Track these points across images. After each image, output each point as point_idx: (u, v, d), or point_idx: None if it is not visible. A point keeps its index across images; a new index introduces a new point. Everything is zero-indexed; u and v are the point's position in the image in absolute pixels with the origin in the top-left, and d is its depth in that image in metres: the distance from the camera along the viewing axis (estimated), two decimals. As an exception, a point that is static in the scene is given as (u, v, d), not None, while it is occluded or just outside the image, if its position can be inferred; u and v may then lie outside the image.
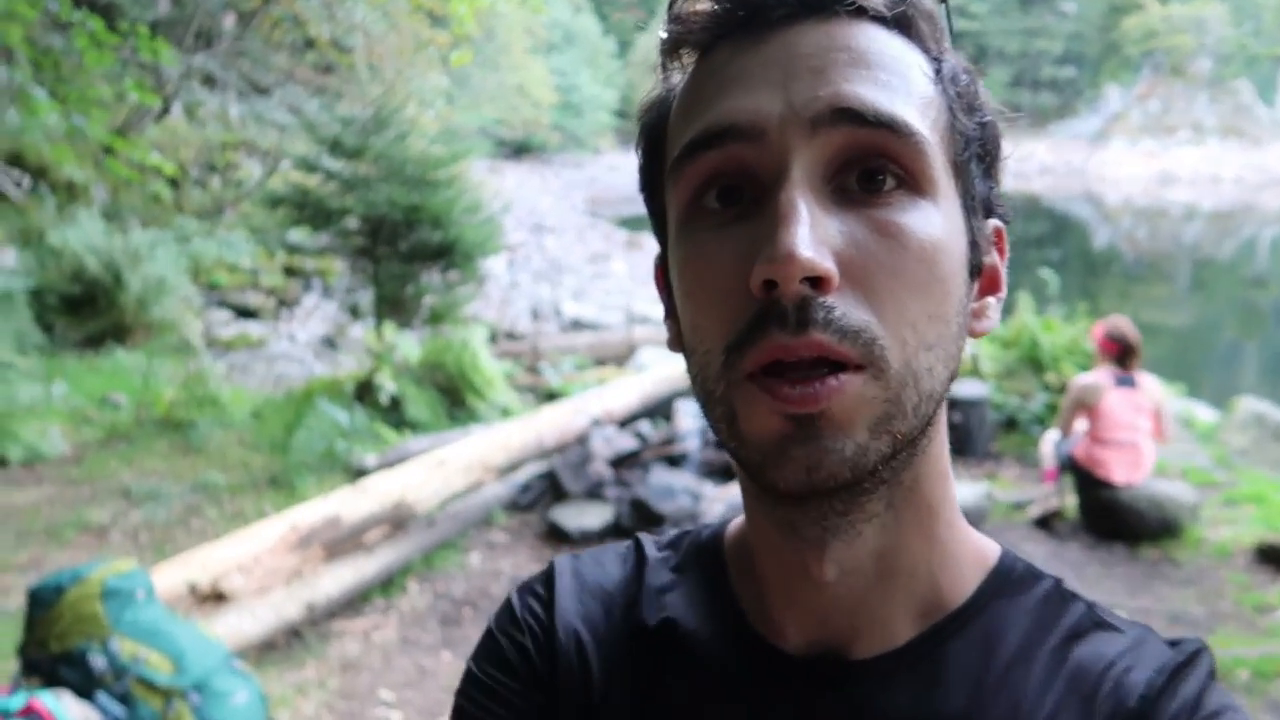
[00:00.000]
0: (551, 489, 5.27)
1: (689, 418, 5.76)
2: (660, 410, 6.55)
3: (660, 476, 5.00)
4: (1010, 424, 6.43)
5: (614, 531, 4.95)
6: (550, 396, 7.91)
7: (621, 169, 49.32)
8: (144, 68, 15.87)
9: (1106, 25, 63.25)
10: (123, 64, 8.29)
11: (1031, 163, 61.21)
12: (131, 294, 9.94)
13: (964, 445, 6.27)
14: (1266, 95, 60.18)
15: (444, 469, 4.64)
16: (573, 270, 19.87)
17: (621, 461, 5.55)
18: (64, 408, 7.52)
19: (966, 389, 6.29)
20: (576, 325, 14.61)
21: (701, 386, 0.53)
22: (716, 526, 0.71)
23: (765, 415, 0.49)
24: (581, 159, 49.02)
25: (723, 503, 4.89)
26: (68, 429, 7.06)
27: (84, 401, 7.75)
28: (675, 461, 5.57)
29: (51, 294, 10.20)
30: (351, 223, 7.82)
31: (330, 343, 11.86)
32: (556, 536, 4.95)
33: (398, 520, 4.35)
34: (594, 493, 5.14)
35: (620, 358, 10.23)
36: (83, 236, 10.62)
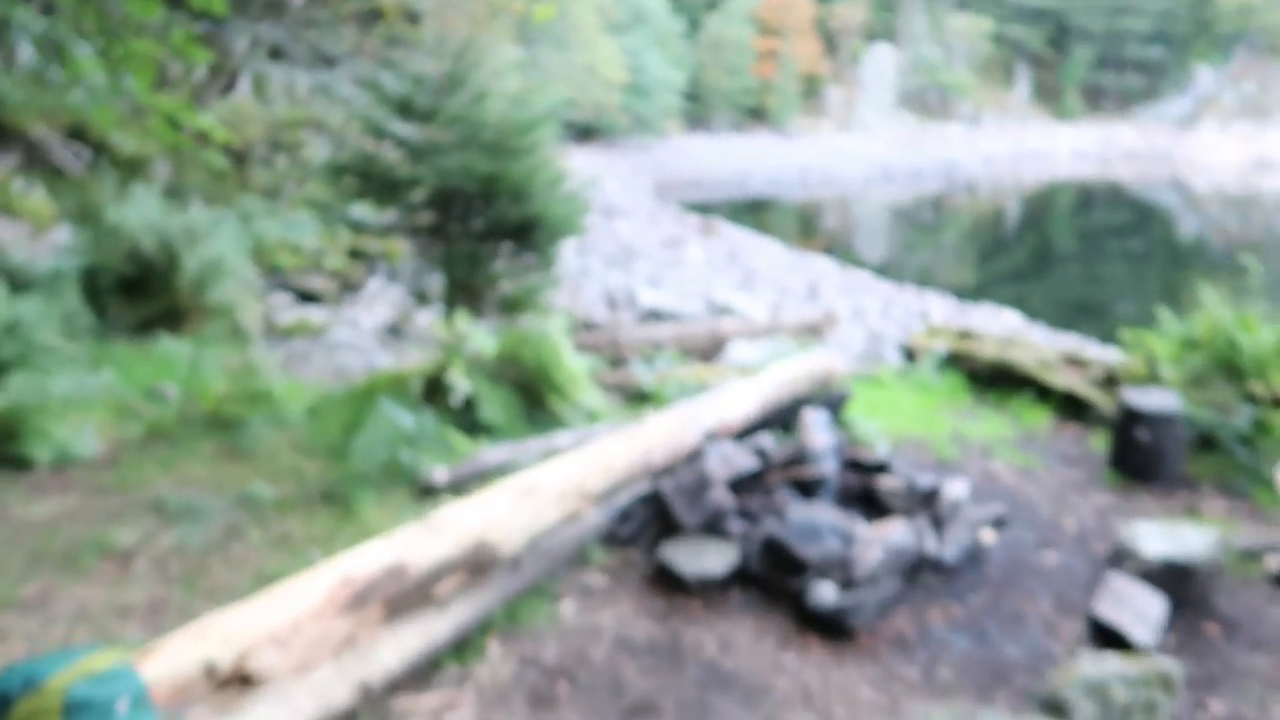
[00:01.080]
0: (659, 518, 4.31)
1: (821, 431, 4.76)
2: (780, 420, 5.55)
3: (799, 511, 4.01)
4: (1206, 442, 5.30)
5: (741, 579, 3.98)
6: (641, 398, 6.96)
7: (690, 153, 48.22)
8: (204, 40, 15.30)
9: (1198, 2, 60.10)
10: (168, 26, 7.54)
11: (1115, 147, 58.58)
12: (188, 275, 9.22)
13: (1151, 469, 5.17)
14: (1375, 75, 56.65)
15: (533, 498, 3.71)
16: (646, 256, 18.88)
17: (741, 485, 4.58)
18: (107, 399, 6.76)
19: (1153, 400, 5.18)
20: (654, 315, 13.61)
21: None
22: None
23: None
24: (649, 142, 48.04)
25: (880, 545, 3.89)
26: (108, 424, 6.30)
27: (131, 392, 6.99)
28: (806, 488, 4.57)
29: (106, 274, 9.53)
30: (420, 195, 6.94)
31: (395, 330, 11.08)
32: (669, 583, 4.00)
33: (478, 565, 3.43)
34: (713, 526, 4.18)
35: (707, 352, 9.25)
36: (140, 213, 9.94)
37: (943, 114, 59.01)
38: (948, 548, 4.11)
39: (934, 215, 39.77)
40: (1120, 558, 4.12)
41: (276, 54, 17.94)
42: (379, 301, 12.75)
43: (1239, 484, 5.04)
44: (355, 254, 14.14)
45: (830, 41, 57.91)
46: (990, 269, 26.87)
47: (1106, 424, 5.91)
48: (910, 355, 7.94)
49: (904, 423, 6.15)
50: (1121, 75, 62.42)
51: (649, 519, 4.50)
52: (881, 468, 4.76)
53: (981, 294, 18.06)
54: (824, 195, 42.38)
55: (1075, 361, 6.67)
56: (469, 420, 6.10)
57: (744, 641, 3.66)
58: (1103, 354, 6.95)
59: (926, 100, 58.68)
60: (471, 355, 6.48)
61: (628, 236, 20.89)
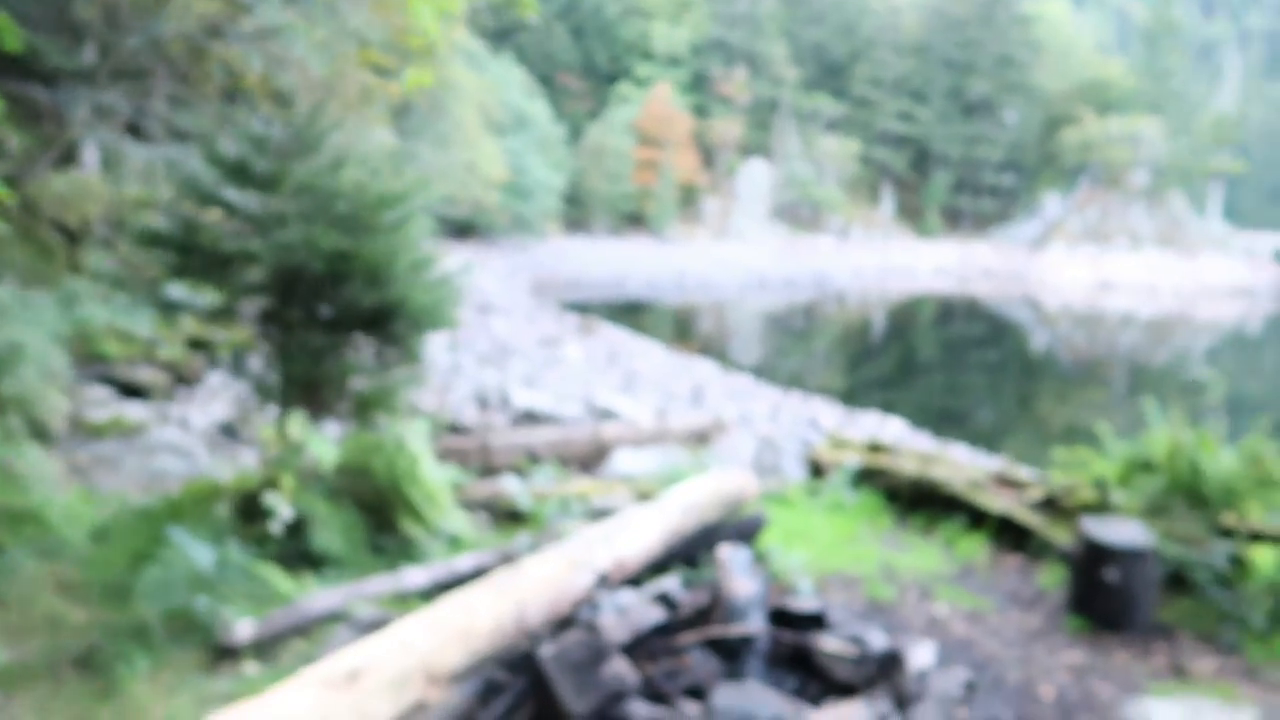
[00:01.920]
0: (537, 698, 3.19)
1: (743, 575, 3.77)
2: (686, 555, 4.55)
3: (728, 696, 2.97)
4: (1175, 582, 4.56)
5: None
6: (515, 519, 5.84)
7: (568, 254, 47.98)
8: (32, 105, 13.78)
9: (1045, 136, 64.71)
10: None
11: (973, 265, 61.62)
12: (-30, 361, 7.67)
13: (1121, 616, 4.37)
14: (1199, 208, 61.73)
15: (357, 688, 2.56)
16: (523, 354, 17.88)
17: (642, 646, 3.52)
18: None
19: (1120, 533, 4.42)
20: (529, 417, 12.51)
21: None
22: None
23: None
24: (528, 242, 47.69)
25: None
26: None
27: None
28: (728, 649, 3.55)
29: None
30: (256, 275, 5.77)
31: (231, 431, 9.63)
32: (550, 800, 2.88)
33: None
34: (610, 714, 3.09)
35: (588, 460, 8.23)
36: (-79, 289, 8.38)
37: (814, 227, 60.92)
38: (917, 737, 3.14)
39: (806, 322, 40.41)
40: (1128, 746, 3.23)
41: (135, 130, 16.49)
42: (218, 398, 11.25)
43: (1223, 634, 4.28)
44: (196, 344, 12.62)
45: (708, 154, 59.40)
46: (859, 376, 27.03)
47: (1055, 556, 5.14)
48: (817, 469, 7.11)
49: (825, 553, 5.24)
50: (978, 199, 66.14)
51: (521, 697, 3.38)
52: (817, 620, 3.79)
53: (852, 400, 17.78)
54: (700, 300, 42.61)
55: (1008, 482, 5.94)
56: (297, 550, 4.87)
57: None
58: (1034, 475, 6.27)
59: (798, 213, 60.54)
60: (308, 467, 5.28)
61: (504, 334, 19.88)
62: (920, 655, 3.30)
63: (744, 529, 4.85)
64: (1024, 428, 18.11)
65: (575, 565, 3.59)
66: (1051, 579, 4.99)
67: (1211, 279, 55.54)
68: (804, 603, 3.88)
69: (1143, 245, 60.01)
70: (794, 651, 3.68)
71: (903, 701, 3.20)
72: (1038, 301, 50.26)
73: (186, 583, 4.12)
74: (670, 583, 3.93)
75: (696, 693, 3.33)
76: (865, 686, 3.35)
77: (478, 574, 4.64)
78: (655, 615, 3.65)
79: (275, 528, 4.48)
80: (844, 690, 3.48)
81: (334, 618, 4.23)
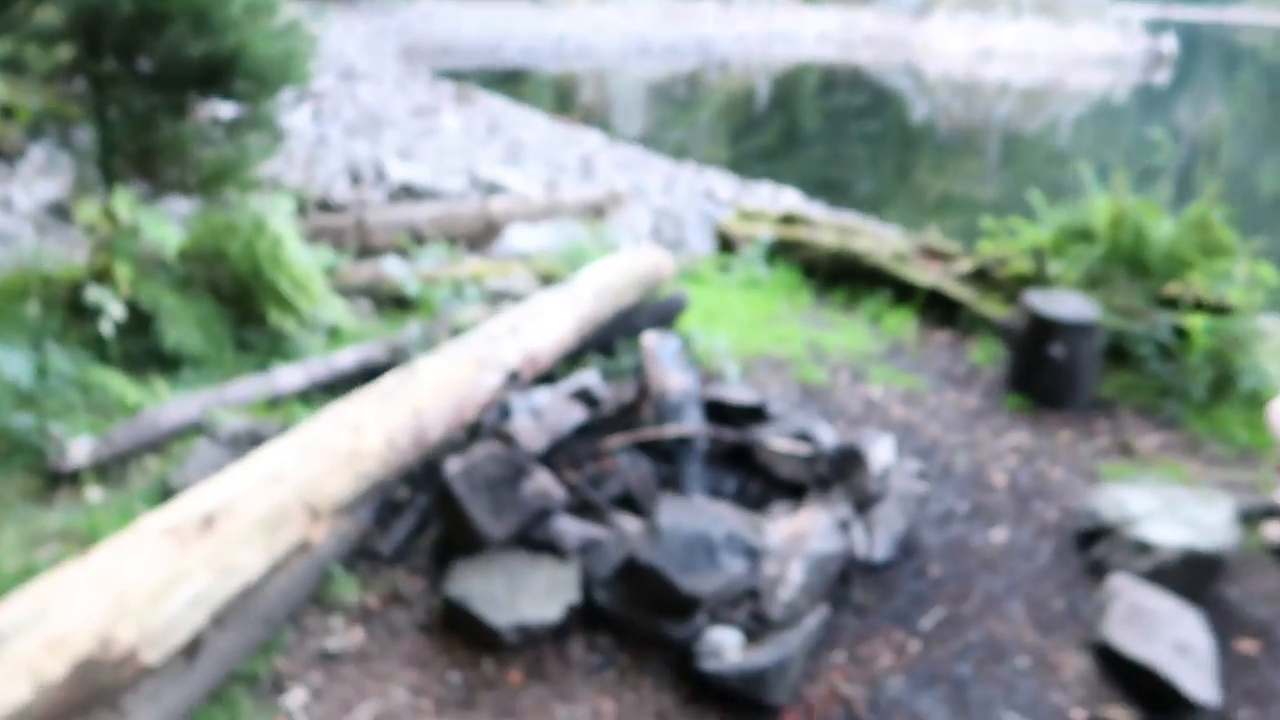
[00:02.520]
0: (446, 520, 2.70)
1: (674, 367, 3.29)
2: (601, 344, 4.04)
3: (673, 513, 2.52)
4: (1115, 356, 4.33)
5: (586, 621, 2.50)
6: (401, 306, 5.19)
7: (438, 17, 44.32)
8: None
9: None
10: None
11: (857, 32, 60.21)
12: None
13: (1063, 392, 4.13)
14: (1081, -26, 61.32)
15: (215, 534, 1.99)
16: (396, 125, 16.42)
17: (562, 453, 3.05)
18: None
19: (1066, 307, 4.10)
20: (408, 192, 11.51)
21: None
22: None
23: None
24: (392, 5, 43.78)
25: (800, 562, 2.52)
26: None
27: None
28: (661, 452, 3.11)
29: None
30: (49, 15, 4.63)
31: (62, 212, 8.43)
32: (467, 633, 2.44)
33: (92, 695, 1.72)
34: (534, 535, 2.63)
35: (477, 238, 7.51)
36: None
37: (697, -11, 57.87)
38: (879, 543, 2.81)
39: (690, 91, 38.95)
40: (1096, 538, 2.99)
41: None
42: (45, 175, 9.85)
43: (1165, 409, 4.11)
44: (11, 113, 10.93)
45: (584, -97, 54.68)
46: (745, 146, 26.43)
47: (987, 331, 4.86)
48: (725, 243, 6.61)
49: (747, 334, 4.82)
50: (863, -41, 63.76)
51: (423, 520, 2.89)
52: (756, 412, 3.37)
53: (740, 170, 17.26)
54: (581, 67, 40.39)
55: (934, 253, 5.56)
56: (146, 351, 4.14)
57: (604, 747, 2.20)
58: (951, 245, 5.89)
59: (682, -27, 57.19)
60: (147, 253, 4.45)
61: (372, 103, 18.19)
62: (881, 452, 2.94)
63: (664, 311, 4.35)
64: (903, 197, 18.02)
65: (481, 364, 3.02)
66: (984, 355, 4.72)
67: (1085, 48, 55.88)
68: (740, 393, 3.44)
69: (1022, 14, 59.55)
70: (733, 449, 3.27)
71: (862, 503, 2.85)
72: (919, 70, 49.70)
73: (4, 393, 3.38)
74: (589, 377, 3.42)
75: (629, 503, 2.90)
76: (815, 486, 2.99)
77: (364, 372, 4.03)
78: (576, 415, 3.16)
79: (105, 327, 3.72)
80: (789, 490, 3.12)
81: (194, 429, 3.60)
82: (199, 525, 1.99)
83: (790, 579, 2.46)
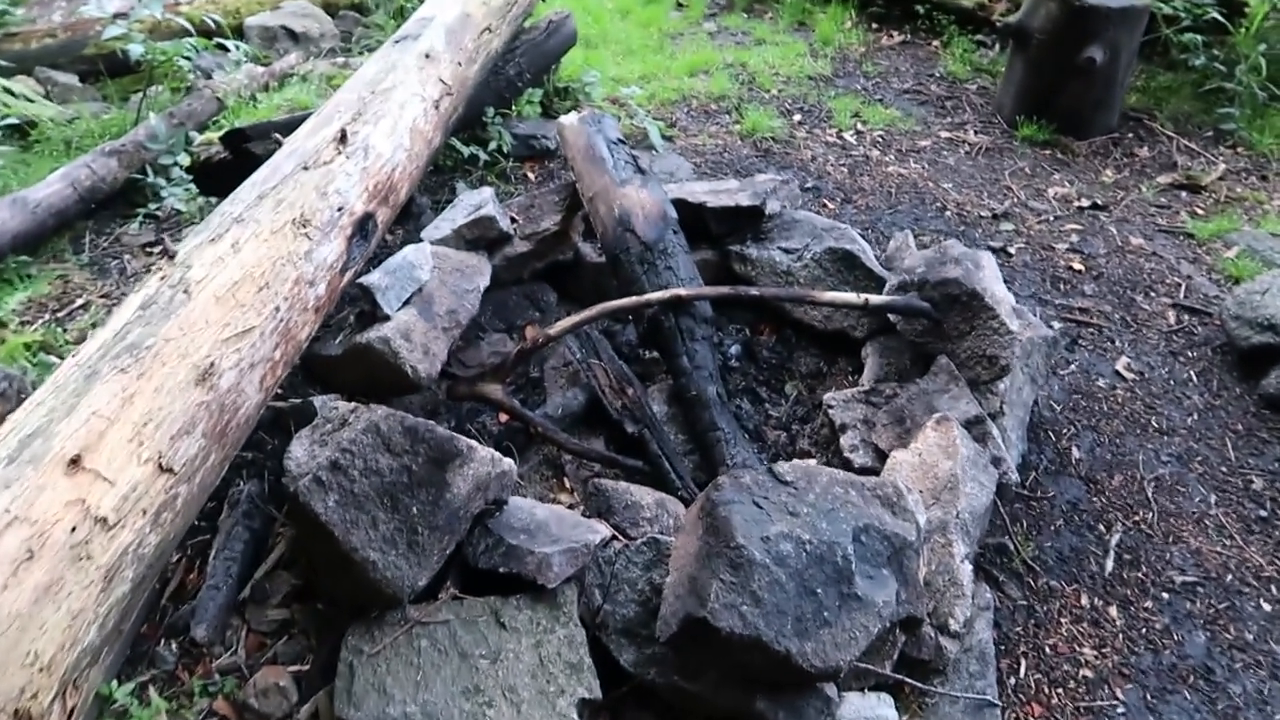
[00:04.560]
0: (312, 561, 1.43)
1: (619, 166, 1.98)
2: (467, 118, 2.62)
3: (759, 503, 1.35)
4: (1143, 47, 3.26)
5: (619, 707, 1.39)
6: (121, 72, 3.40)
7: None
8: None
9: None
10: None
11: None
12: None
13: (1091, 113, 3.08)
14: None
15: None
16: None
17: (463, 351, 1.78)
18: None
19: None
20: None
21: None
22: None
23: None
24: None
25: (959, 533, 1.46)
26: None
27: None
28: (649, 325, 1.89)
29: None
30: None
31: None
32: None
33: None
34: (480, 560, 1.43)
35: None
36: None
37: None
38: (1013, 447, 1.77)
39: None
40: (1270, 357, 2.06)
41: None
42: None
43: (1211, 117, 3.14)
44: None
45: None
46: None
47: (955, 26, 3.67)
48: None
49: (653, 67, 3.43)
50: None
51: (259, 547, 1.61)
52: (750, 215, 2.15)
53: None
54: None
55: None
56: None
57: None
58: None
59: None
60: None
61: None
62: (994, 282, 1.82)
63: (548, 53, 2.89)
64: None
65: (300, 222, 1.61)
66: (959, 63, 3.57)
67: None
68: (716, 188, 2.18)
69: None
70: (726, 278, 2.08)
71: (989, 378, 1.77)
72: None
73: None
74: (480, 197, 2.06)
75: (594, 417, 1.71)
76: (879, 345, 1.89)
77: (83, 206, 2.48)
78: (478, 279, 1.85)
79: None
80: (830, 347, 2.01)
81: None
82: None
83: (960, 577, 1.41)
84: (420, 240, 1.93)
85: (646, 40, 3.69)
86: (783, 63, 3.54)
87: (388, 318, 1.66)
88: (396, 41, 2.31)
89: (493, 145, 2.67)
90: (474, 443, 1.40)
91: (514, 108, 2.81)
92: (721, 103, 3.21)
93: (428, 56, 2.22)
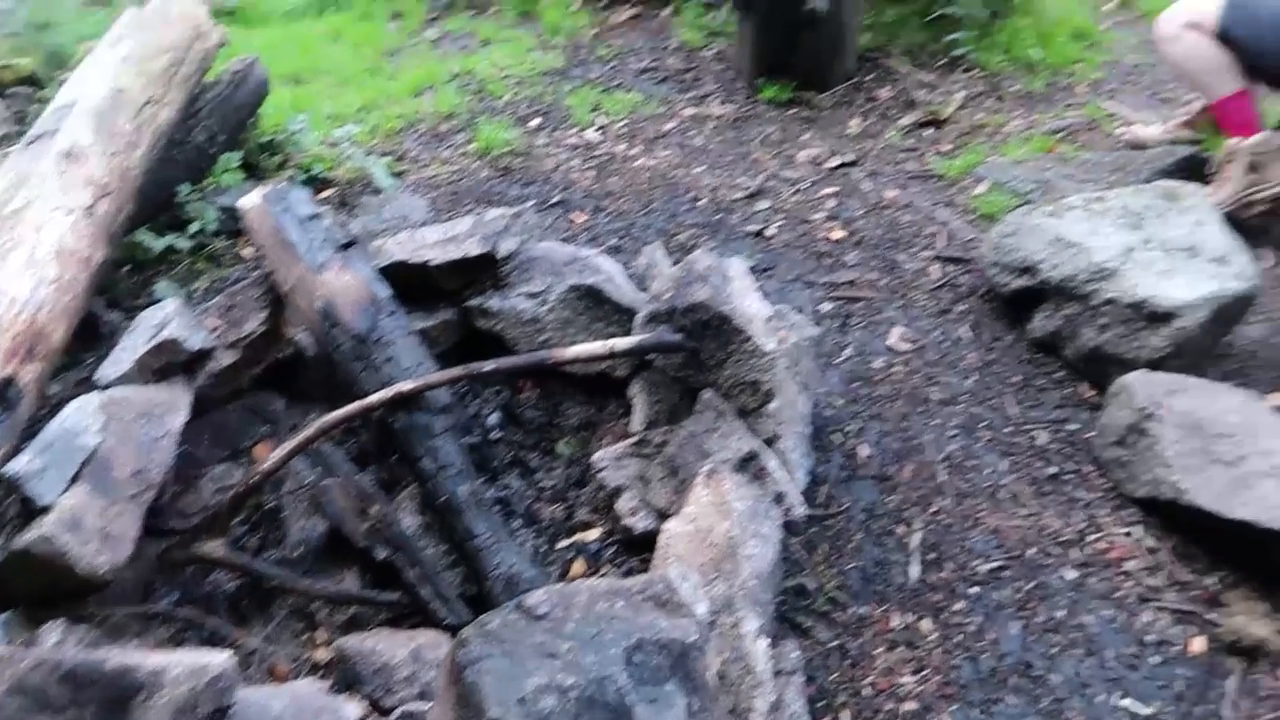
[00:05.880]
0: None
1: (317, 242, 1.74)
2: (147, 207, 2.29)
3: (508, 651, 1.16)
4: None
5: None
6: None
7: None
8: None
9: None
10: None
11: None
12: None
13: (828, 63, 3.03)
14: None
15: None
16: None
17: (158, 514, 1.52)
18: None
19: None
20: None
21: None
22: None
23: None
24: None
25: (750, 609, 1.32)
26: None
27: None
28: (381, 429, 1.67)
29: None
30: None
31: None
32: None
33: None
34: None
35: None
36: None
37: None
38: (797, 470, 1.65)
39: None
40: (1032, 300, 2.03)
41: None
42: None
43: (948, 49, 3.14)
44: None
45: None
46: None
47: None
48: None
49: (373, 95, 3.15)
50: None
51: None
52: (482, 264, 1.95)
53: None
54: None
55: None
56: None
57: None
58: None
59: None
60: None
61: None
62: (749, 297, 1.68)
63: (239, 109, 2.58)
64: None
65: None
66: (691, 31, 3.46)
67: None
68: (436, 235, 1.96)
69: None
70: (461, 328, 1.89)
71: (754, 405, 1.64)
72: None
73: None
74: (165, 313, 1.77)
75: (337, 548, 1.50)
76: (643, 382, 1.74)
77: None
78: (174, 417, 1.59)
79: None
80: (588, 391, 1.85)
81: None
82: None
83: (754, 662, 1.27)
84: (94, 386, 1.63)
85: (362, 63, 3.40)
86: (512, 62, 3.33)
87: (47, 509, 1.38)
88: (30, 143, 1.97)
89: (194, 228, 2.35)
90: (162, 659, 1.16)
91: (212, 177, 2.50)
92: (452, 121, 2.97)
93: (69, 156, 1.90)
